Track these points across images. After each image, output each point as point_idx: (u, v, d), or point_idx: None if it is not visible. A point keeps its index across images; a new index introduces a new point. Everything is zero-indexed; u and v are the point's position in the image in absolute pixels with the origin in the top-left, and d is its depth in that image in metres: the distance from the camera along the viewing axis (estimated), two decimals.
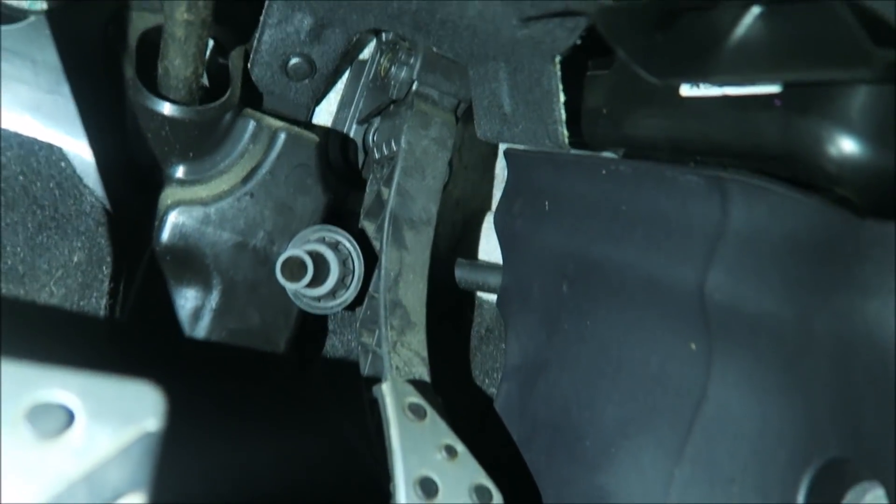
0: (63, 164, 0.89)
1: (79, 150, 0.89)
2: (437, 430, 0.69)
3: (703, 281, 0.61)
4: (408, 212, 0.89)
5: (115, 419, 0.41)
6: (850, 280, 0.48)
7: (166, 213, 0.84)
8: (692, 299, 0.63)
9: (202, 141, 0.86)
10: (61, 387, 0.41)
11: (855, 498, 0.51)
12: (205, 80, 0.88)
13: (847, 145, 0.54)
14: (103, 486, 0.39)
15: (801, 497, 0.52)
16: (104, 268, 0.88)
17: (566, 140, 0.78)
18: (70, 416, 0.40)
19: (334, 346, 0.99)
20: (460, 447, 0.69)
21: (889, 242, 0.46)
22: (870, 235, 0.48)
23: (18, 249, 0.85)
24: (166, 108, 0.82)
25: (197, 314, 0.86)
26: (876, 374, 0.46)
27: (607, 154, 0.83)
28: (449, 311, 1.02)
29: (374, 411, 0.74)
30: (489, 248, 1.12)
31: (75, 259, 0.88)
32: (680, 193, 0.65)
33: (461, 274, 1.00)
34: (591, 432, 0.73)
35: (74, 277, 0.87)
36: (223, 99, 0.85)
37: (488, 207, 1.16)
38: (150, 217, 0.87)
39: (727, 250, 0.60)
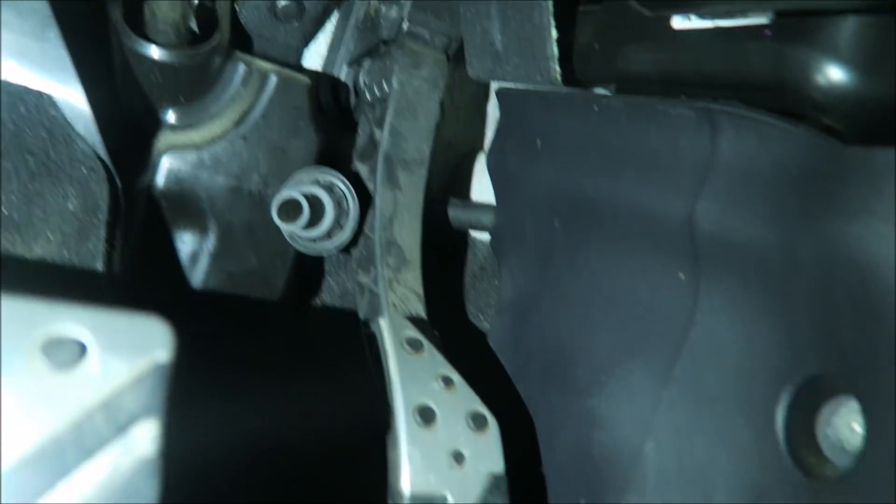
0: (53, 111, 0.88)
1: (68, 97, 0.89)
2: (435, 362, 0.72)
3: (693, 211, 0.63)
4: (401, 152, 0.89)
5: (127, 351, 0.43)
6: (833, 205, 0.50)
7: (160, 158, 0.85)
8: (681, 230, 0.65)
9: (193, 85, 0.86)
10: (73, 321, 0.42)
11: (831, 411, 0.54)
12: (193, 24, 0.87)
13: (834, 74, 0.55)
14: (119, 412, 0.41)
15: (780, 412, 0.55)
16: (99, 214, 0.88)
17: (559, 76, 0.78)
18: (83, 349, 0.42)
19: (331, 287, 1.01)
20: (456, 377, 0.72)
21: (871, 166, 0.47)
22: (853, 161, 0.49)
23: (13, 198, 0.86)
24: (155, 52, 0.81)
25: (195, 258, 0.87)
26: (856, 294, 0.48)
27: (599, 90, 0.83)
28: (443, 250, 1.04)
29: (372, 346, 0.76)
30: (482, 188, 1.13)
31: (70, 206, 0.88)
32: (671, 126, 0.66)
33: (454, 214, 1.01)
34: (582, 361, 0.76)
35: (70, 224, 0.87)
36: (212, 42, 0.84)
37: (481, 148, 1.16)
38: (143, 164, 0.88)
39: (716, 181, 0.61)
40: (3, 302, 0.41)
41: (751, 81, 0.62)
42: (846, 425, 0.53)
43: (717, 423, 0.59)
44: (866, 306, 0.48)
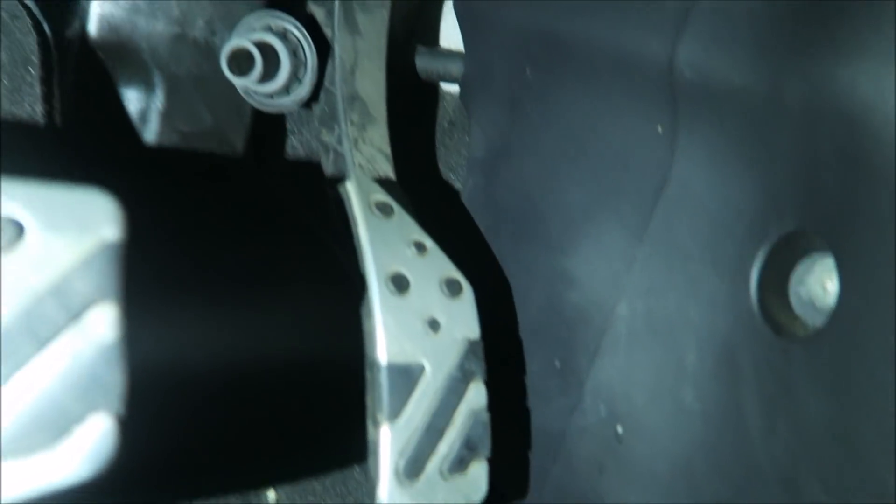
0: None
1: None
2: (406, 227, 0.69)
3: (673, 55, 0.59)
4: None
5: (70, 228, 0.39)
6: (826, 44, 0.46)
7: (89, 2, 0.75)
8: (661, 76, 0.61)
9: None
10: (5, 198, 0.38)
11: (805, 269, 0.54)
12: None
13: None
14: (71, 296, 0.38)
15: (754, 270, 0.55)
16: (30, 68, 0.80)
17: None
18: (19, 229, 0.38)
19: (293, 146, 0.96)
20: (429, 242, 0.70)
21: (870, 2, 0.43)
22: None
23: None
24: None
25: (143, 117, 0.81)
26: (842, 144, 0.46)
27: None
28: (410, 103, 0.98)
29: (340, 210, 0.73)
30: (449, 34, 1.05)
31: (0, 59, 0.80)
32: None
33: (421, 63, 0.95)
34: (555, 216, 0.74)
35: (2, 80, 0.80)
36: None
37: None
38: (72, 9, 0.78)
39: (700, 18, 0.57)
40: None
41: None
42: (819, 283, 0.53)
43: (690, 280, 0.59)
44: (852, 157, 0.46)
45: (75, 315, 0.38)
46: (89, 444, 0.37)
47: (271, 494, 0.71)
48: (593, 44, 0.69)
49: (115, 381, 0.38)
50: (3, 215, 0.38)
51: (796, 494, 0.47)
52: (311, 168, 0.89)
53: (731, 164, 0.57)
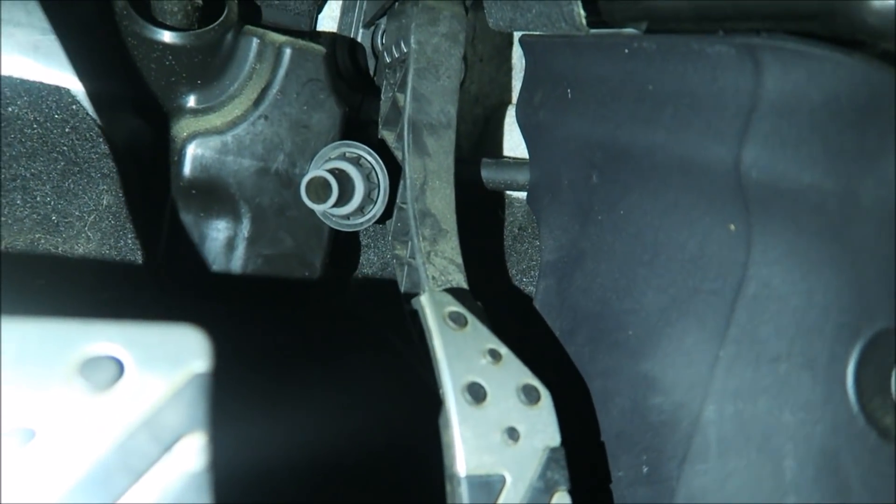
0: (75, 106, 0.87)
1: (86, 92, 0.88)
2: (480, 336, 0.70)
3: (739, 158, 0.59)
4: (426, 116, 0.86)
5: (164, 364, 0.42)
6: (889, 141, 0.45)
7: (184, 146, 0.83)
8: (728, 178, 0.61)
9: (207, 66, 0.84)
10: (107, 339, 0.41)
11: None
12: (200, 2, 0.84)
13: None
14: (162, 429, 0.40)
15: (850, 370, 0.52)
16: (133, 207, 0.88)
17: (583, 20, 0.73)
18: (120, 367, 0.41)
19: (370, 260, 0.99)
20: (504, 350, 0.70)
21: None
22: None
23: (48, 199, 0.86)
24: (166, 36, 0.79)
25: (230, 245, 0.87)
26: None
27: (629, 31, 0.78)
28: (479, 213, 1.01)
29: (415, 323, 0.74)
30: (513, 143, 1.09)
31: (104, 202, 0.88)
32: (709, 66, 0.61)
33: (487, 174, 0.98)
34: (632, 321, 0.73)
35: (107, 220, 0.87)
36: (221, 18, 0.81)
37: (509, 101, 1.12)
38: (165, 153, 0.86)
39: (763, 123, 0.57)
40: (35, 326, 0.41)
41: (795, 10, 0.56)
42: None
43: (780, 383, 0.56)
44: None
45: (167, 447, 0.40)
46: None
47: None
48: (655, 150, 0.70)
49: None
50: (104, 355, 0.41)
51: None
52: (387, 281, 0.93)
53: (811, 261, 0.55)
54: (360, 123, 0.99)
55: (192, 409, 0.41)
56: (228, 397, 0.45)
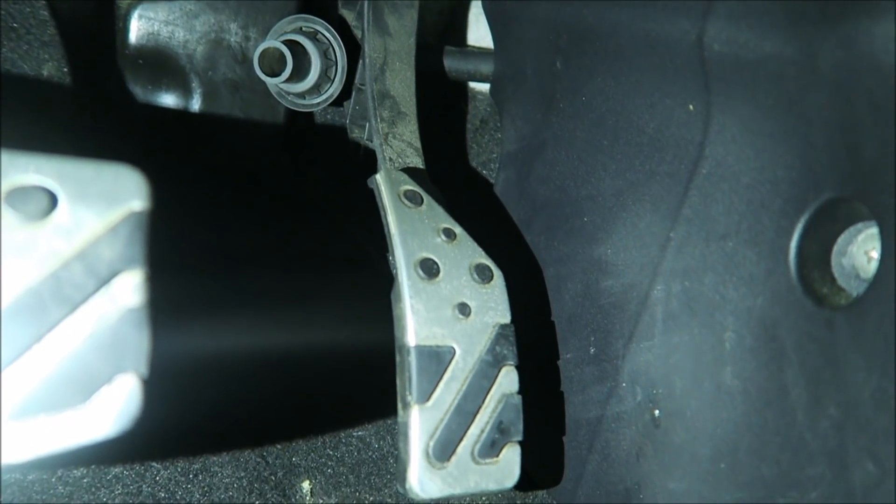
0: None
1: None
2: (435, 215, 0.69)
3: (703, 31, 0.58)
4: None
5: (99, 200, 0.40)
6: (857, 4, 0.45)
7: (129, 12, 0.78)
8: (691, 53, 0.60)
9: None
10: (37, 171, 0.39)
11: (848, 238, 0.52)
12: None
13: None
14: (98, 263, 0.39)
15: (793, 243, 0.53)
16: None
17: None
18: (52, 200, 0.39)
19: (325, 145, 0.97)
20: (458, 230, 0.69)
21: None
22: None
23: None
24: None
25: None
26: (879, 103, 0.44)
27: None
28: (441, 103, 0.99)
29: (371, 202, 0.73)
30: (479, 35, 1.06)
31: (45, 72, 0.84)
32: None
33: (451, 63, 0.95)
34: (588, 207, 0.73)
35: (47, 92, 0.83)
36: None
37: None
38: (110, 20, 0.82)
39: None
40: None
41: None
42: (863, 253, 0.50)
43: (727, 259, 0.57)
44: (889, 116, 0.44)
45: (103, 281, 0.39)
46: (116, 404, 0.37)
47: (305, 485, 0.71)
48: (622, 29, 0.68)
49: (140, 344, 0.38)
50: (36, 185, 0.39)
51: (844, 469, 0.45)
52: (342, 164, 0.91)
53: (766, 135, 0.55)
54: (317, 5, 0.95)
55: (130, 245, 0.40)
56: (177, 251, 0.44)
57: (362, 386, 0.79)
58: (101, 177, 0.41)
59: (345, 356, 0.73)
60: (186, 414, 0.58)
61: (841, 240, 0.52)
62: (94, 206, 0.40)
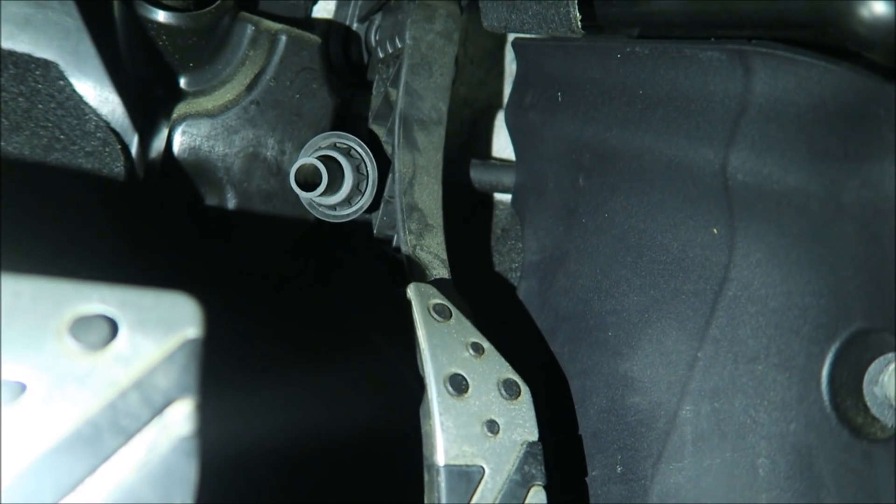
0: (62, 82, 0.86)
1: (75, 68, 0.87)
2: (463, 329, 0.70)
3: (726, 160, 0.61)
4: (417, 112, 0.87)
5: (157, 328, 0.42)
6: (880, 145, 0.47)
7: (174, 128, 0.83)
8: (714, 180, 0.62)
9: (201, 49, 0.84)
10: (100, 300, 0.41)
11: (878, 368, 0.53)
12: None
13: (879, 7, 0.52)
14: (153, 392, 0.40)
15: (825, 370, 0.53)
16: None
17: (578, 23, 0.75)
18: (113, 329, 0.41)
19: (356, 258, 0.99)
20: (486, 344, 0.70)
21: None
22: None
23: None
24: (161, 16, 0.79)
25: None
26: None
27: (622, 37, 0.80)
28: (464, 213, 1.02)
29: (400, 316, 0.75)
30: (500, 146, 1.10)
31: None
32: (700, 71, 0.63)
33: (475, 175, 0.99)
34: (612, 321, 0.74)
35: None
36: (217, 1, 0.81)
37: (498, 105, 1.13)
38: (156, 134, 0.86)
39: (751, 126, 0.59)
40: (27, 283, 0.40)
41: (786, 18, 0.58)
42: (894, 383, 0.51)
43: (757, 382, 0.58)
44: None
45: (158, 410, 0.39)
46: None
47: None
48: (644, 153, 0.72)
49: (190, 473, 0.39)
50: (97, 314, 0.41)
51: None
52: (371, 278, 0.92)
53: (792, 262, 0.57)
54: (349, 118, 1.00)
55: (184, 374, 0.41)
56: (216, 369, 0.45)
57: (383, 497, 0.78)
58: (160, 304, 0.42)
59: (373, 473, 0.73)
60: None
61: (872, 369, 0.53)
62: (152, 334, 0.41)
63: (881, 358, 0.52)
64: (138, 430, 0.39)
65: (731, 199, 0.62)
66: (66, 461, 0.37)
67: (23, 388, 0.37)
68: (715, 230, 0.64)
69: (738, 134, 0.59)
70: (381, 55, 0.94)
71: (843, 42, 0.52)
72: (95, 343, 0.40)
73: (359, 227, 0.94)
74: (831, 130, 0.52)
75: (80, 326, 0.40)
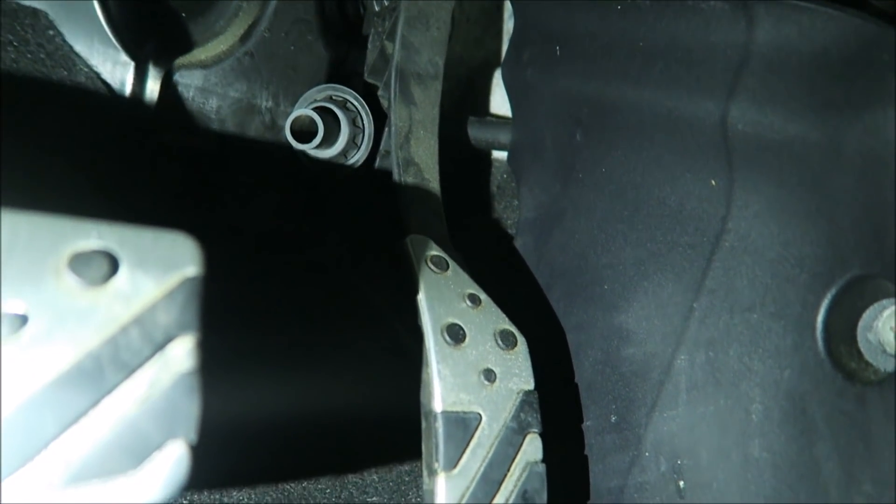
0: (51, 31, 0.84)
1: (65, 18, 0.85)
2: (460, 281, 0.71)
3: (727, 111, 0.60)
4: (414, 65, 0.86)
5: (157, 266, 0.41)
6: (882, 92, 0.47)
7: (166, 79, 0.81)
8: (714, 132, 0.62)
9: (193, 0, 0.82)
10: (100, 237, 0.41)
11: (873, 314, 0.53)
12: None
13: None
14: (154, 328, 0.40)
15: (820, 317, 0.54)
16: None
17: None
18: (113, 265, 0.40)
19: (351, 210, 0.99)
20: (483, 296, 0.70)
21: None
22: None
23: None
24: None
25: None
26: None
27: None
28: (460, 169, 1.01)
29: (396, 268, 0.75)
30: (497, 105, 1.09)
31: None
32: (702, 21, 0.62)
33: (471, 132, 0.98)
34: (608, 275, 0.75)
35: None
36: None
37: (496, 64, 1.12)
38: (146, 86, 0.84)
39: (752, 77, 0.59)
40: (26, 219, 0.40)
41: None
42: (888, 328, 0.52)
43: (752, 331, 0.58)
44: None
45: (159, 346, 0.39)
46: (167, 470, 0.37)
47: None
48: (643, 106, 0.71)
49: (191, 409, 0.39)
50: (97, 250, 0.40)
51: None
52: (367, 229, 0.92)
53: (790, 212, 0.57)
54: (344, 75, 0.98)
55: (184, 311, 0.41)
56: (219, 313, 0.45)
57: (379, 450, 0.79)
58: (159, 243, 0.42)
59: (362, 419, 0.73)
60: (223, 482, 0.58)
61: (867, 315, 0.53)
62: (152, 272, 0.41)
63: (876, 304, 0.52)
64: (139, 365, 0.39)
65: (731, 150, 0.62)
66: (67, 394, 0.37)
67: (24, 320, 0.37)
68: (713, 182, 0.64)
69: (739, 85, 0.59)
70: (376, 8, 0.92)
71: None
72: (95, 279, 0.40)
73: (354, 182, 0.94)
74: (834, 79, 0.51)
75: (80, 262, 0.40)
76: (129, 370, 0.38)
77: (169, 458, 0.38)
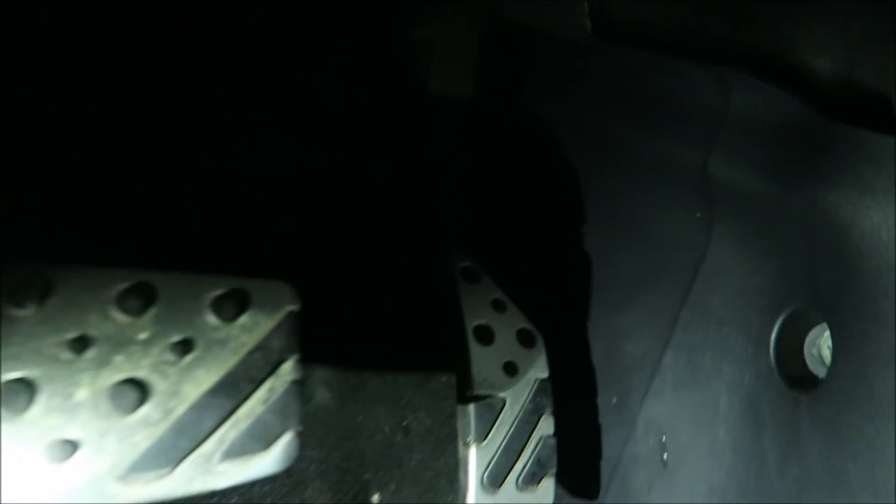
0: None
1: None
2: (488, 289, 0.87)
3: (706, 161, 0.74)
4: None
5: (269, 305, 0.58)
6: (816, 172, 0.60)
7: None
8: (697, 175, 0.76)
9: None
10: (227, 287, 0.57)
11: (817, 334, 0.67)
12: None
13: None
14: (271, 351, 0.56)
15: (773, 335, 0.68)
16: None
17: (590, 27, 0.86)
18: (241, 306, 0.57)
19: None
20: (507, 301, 0.87)
21: (851, 145, 0.57)
22: (834, 134, 0.58)
23: None
24: None
25: None
26: (831, 247, 0.60)
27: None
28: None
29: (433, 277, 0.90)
30: None
31: None
32: (692, 83, 0.75)
33: None
34: (613, 286, 0.90)
35: None
36: None
37: None
38: None
39: (727, 135, 0.72)
40: (173, 279, 0.56)
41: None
42: (826, 346, 0.66)
43: (723, 341, 0.73)
44: (839, 258, 0.60)
45: (274, 364, 0.56)
46: (284, 450, 0.55)
47: (375, 497, 0.88)
48: (642, 145, 0.85)
49: (297, 408, 0.56)
50: (230, 292, 0.57)
51: None
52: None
53: (753, 249, 0.71)
54: None
55: (290, 337, 0.57)
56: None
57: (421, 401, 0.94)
58: (269, 288, 0.59)
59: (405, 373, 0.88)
60: None
61: (812, 334, 0.68)
62: (266, 310, 0.58)
63: (817, 327, 0.66)
64: (263, 379, 0.55)
65: (711, 191, 0.75)
66: (216, 401, 0.54)
67: (189, 346, 0.54)
68: (698, 214, 0.78)
69: (716, 140, 0.72)
70: None
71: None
72: (228, 317, 0.56)
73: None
74: (788, 149, 0.64)
75: (217, 304, 0.56)
76: (257, 383, 0.55)
77: (286, 442, 0.55)
